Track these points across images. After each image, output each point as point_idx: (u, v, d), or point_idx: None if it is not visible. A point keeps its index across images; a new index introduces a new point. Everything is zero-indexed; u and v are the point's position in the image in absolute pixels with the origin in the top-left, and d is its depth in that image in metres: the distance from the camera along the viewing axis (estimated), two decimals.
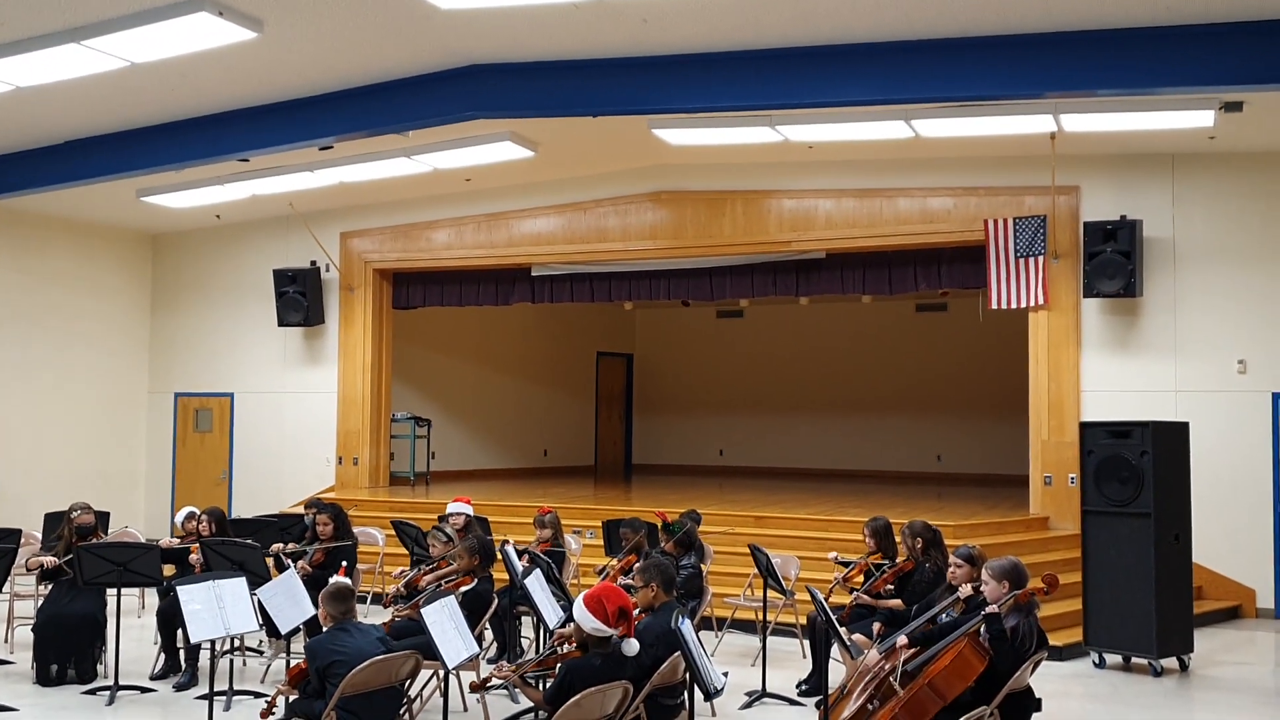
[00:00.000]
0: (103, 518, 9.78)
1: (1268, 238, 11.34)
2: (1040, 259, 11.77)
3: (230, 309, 16.34)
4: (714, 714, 7.49)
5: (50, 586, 8.67)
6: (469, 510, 9.70)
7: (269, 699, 5.83)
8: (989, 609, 5.71)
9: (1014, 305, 11.95)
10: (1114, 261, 11.37)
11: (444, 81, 10.39)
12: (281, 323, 15.42)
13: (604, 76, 9.97)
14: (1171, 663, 8.98)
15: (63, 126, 11.73)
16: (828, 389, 20.41)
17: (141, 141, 11.88)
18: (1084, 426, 9.45)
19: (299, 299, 15.24)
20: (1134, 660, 9.05)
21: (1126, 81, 8.89)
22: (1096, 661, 9.15)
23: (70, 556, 8.35)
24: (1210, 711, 7.87)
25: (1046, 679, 8.07)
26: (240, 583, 6.57)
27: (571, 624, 5.48)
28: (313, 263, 15.48)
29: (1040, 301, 11.84)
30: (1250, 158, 11.45)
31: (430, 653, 5.70)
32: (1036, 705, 5.91)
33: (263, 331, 15.92)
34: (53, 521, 9.93)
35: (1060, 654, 9.21)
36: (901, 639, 5.85)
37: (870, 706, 5.78)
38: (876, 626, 7.00)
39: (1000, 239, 11.89)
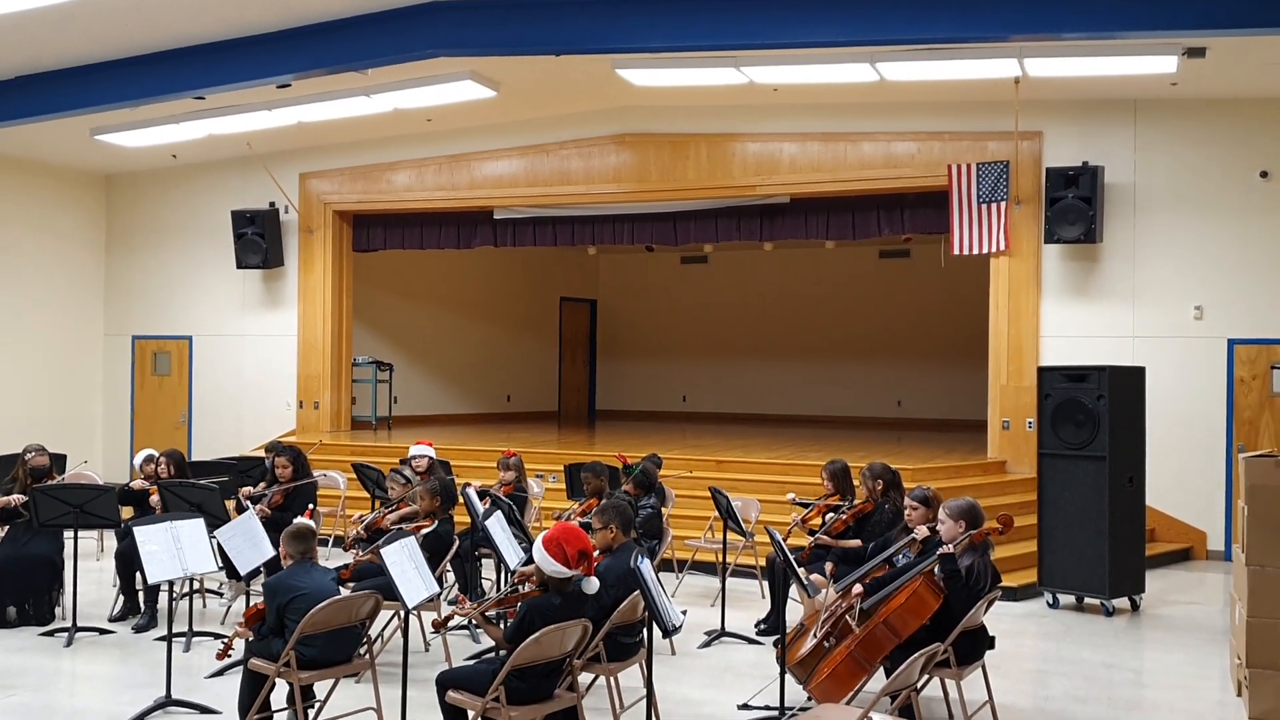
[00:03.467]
0: (58, 460, 9.68)
1: (1227, 185, 11.43)
2: (1002, 205, 11.81)
3: (187, 251, 16.11)
4: (673, 652, 7.56)
5: (6, 529, 8.59)
6: (431, 453, 9.68)
7: (226, 640, 5.83)
8: (944, 549, 5.77)
9: (976, 251, 11.99)
10: (1075, 208, 11.43)
11: (404, 18, 10.21)
12: (240, 265, 15.24)
13: (567, 14, 9.85)
14: (1123, 603, 9.15)
15: (11, 61, 11.44)
16: (791, 335, 20.48)
17: (94, 78, 11.62)
18: (1042, 371, 9.54)
19: (257, 241, 15.05)
20: (1087, 600, 9.21)
21: (1091, 24, 8.89)
22: (1050, 601, 9.31)
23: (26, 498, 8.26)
24: (1159, 649, 8.04)
25: (1001, 618, 8.22)
26: (198, 524, 6.53)
27: (533, 564, 5.49)
28: (271, 204, 15.28)
29: (1001, 247, 11.90)
30: (1211, 104, 11.50)
31: (391, 593, 5.70)
32: (990, 643, 6.01)
33: (221, 274, 15.73)
34: (6, 464, 9.81)
35: (1015, 594, 9.36)
36: (857, 588, 5.89)
37: (827, 644, 5.85)
38: (829, 567, 7.07)
39: (963, 184, 11.90)
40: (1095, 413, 8.97)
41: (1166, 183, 11.61)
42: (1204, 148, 11.53)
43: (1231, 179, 11.42)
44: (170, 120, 12.89)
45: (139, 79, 11.40)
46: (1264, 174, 11.27)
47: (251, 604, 6.13)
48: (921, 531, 6.19)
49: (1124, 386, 9.11)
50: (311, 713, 5.76)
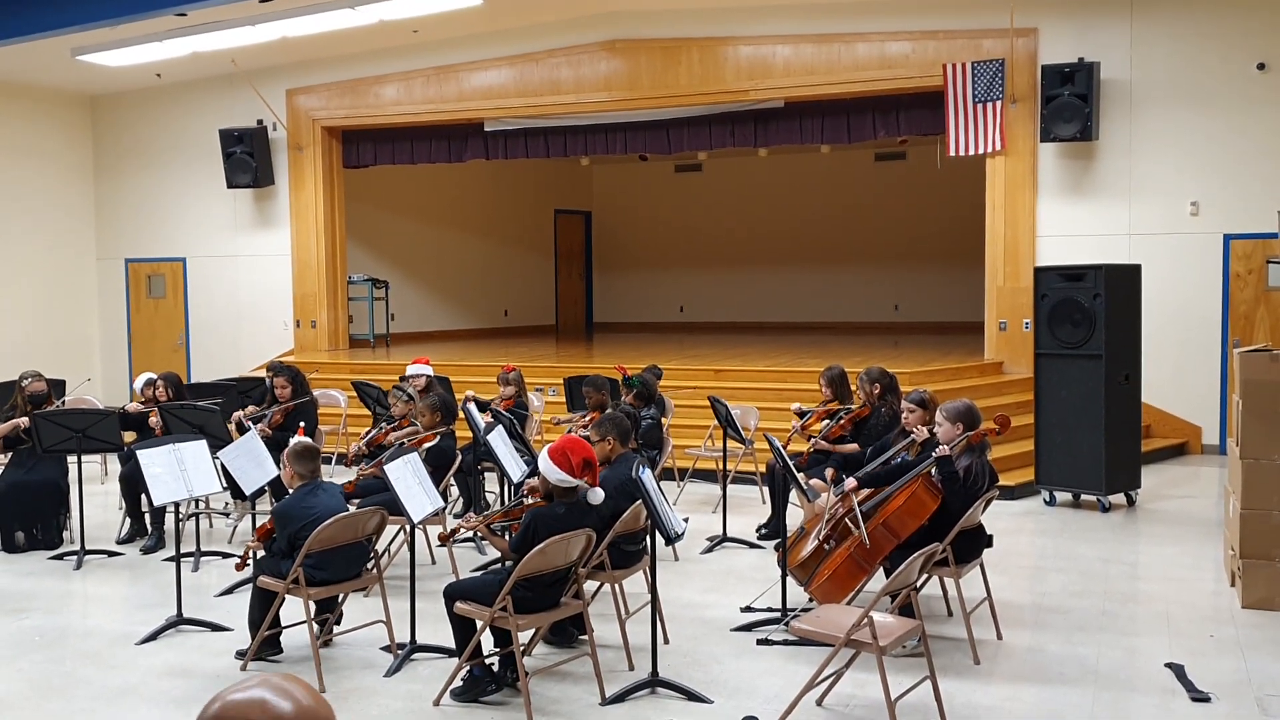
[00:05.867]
0: (57, 385, 9.69)
1: (1224, 78, 11.28)
2: (998, 104, 11.67)
3: (177, 171, 15.97)
4: (676, 558, 7.67)
5: (9, 456, 8.63)
6: (429, 371, 9.69)
7: (241, 555, 5.90)
8: (940, 451, 5.81)
9: (972, 151, 11.89)
10: (1071, 105, 11.30)
11: None
12: (230, 184, 15.11)
13: None
14: (1119, 498, 9.26)
15: None
16: (787, 242, 20.39)
17: None
18: (1038, 271, 9.51)
19: (247, 160, 14.90)
20: (1083, 497, 9.32)
21: None
22: (1047, 499, 9.42)
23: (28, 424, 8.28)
24: (1155, 543, 8.16)
25: (999, 517, 8.33)
26: (200, 445, 6.56)
27: (536, 476, 5.54)
28: (259, 122, 15.09)
29: (997, 147, 11.79)
30: None
31: (396, 509, 5.76)
32: (988, 542, 6.08)
33: (212, 194, 15.60)
34: (6, 390, 9.82)
35: (1012, 493, 9.47)
36: (850, 482, 5.96)
37: (827, 547, 5.93)
38: (829, 472, 7.13)
39: (958, 84, 11.75)
40: (1091, 312, 8.98)
41: (1163, 77, 11.46)
42: (1201, 40, 11.35)
43: (1229, 72, 11.26)
44: (153, 38, 12.66)
45: None
46: (1261, 66, 11.11)
47: (262, 521, 6.18)
48: (920, 434, 6.23)
49: (1120, 285, 9.10)
50: (326, 627, 5.86)
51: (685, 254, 21.32)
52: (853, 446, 7.74)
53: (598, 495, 5.24)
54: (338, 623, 6.06)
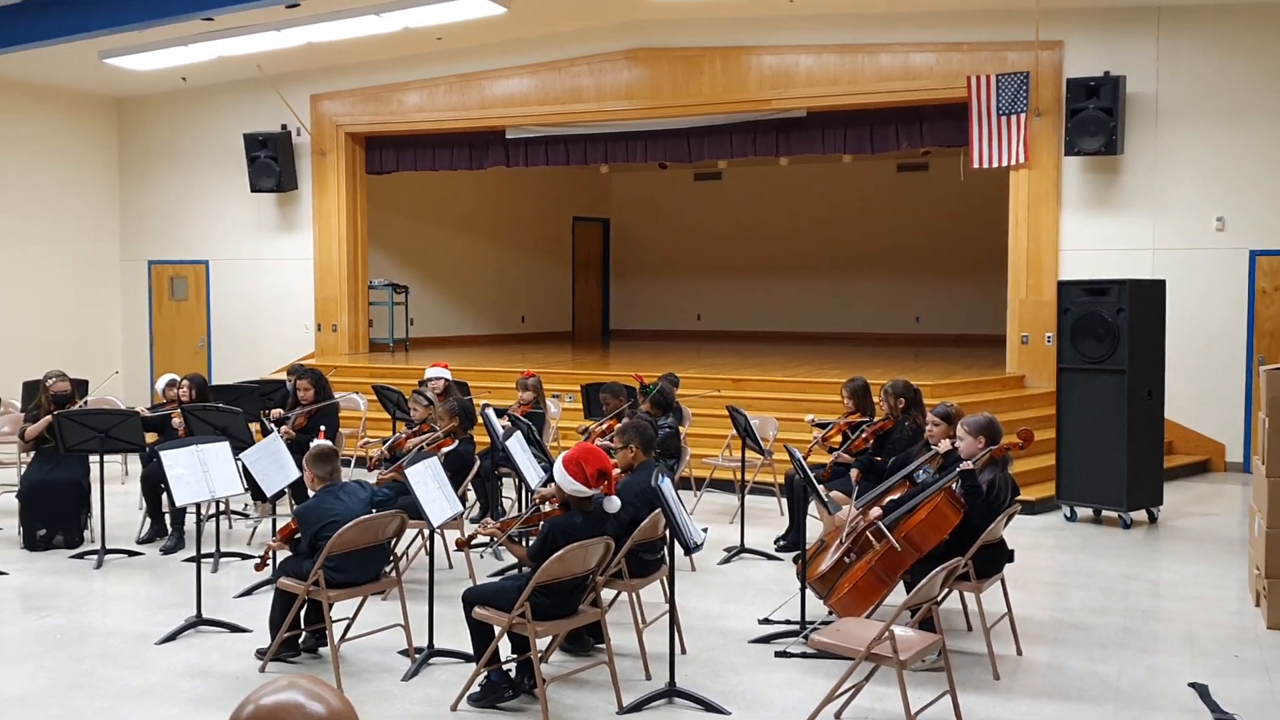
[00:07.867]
0: (80, 385, 9.74)
1: (1250, 93, 11.21)
2: (1022, 116, 11.63)
3: (201, 174, 16.05)
4: (694, 569, 7.65)
5: (33, 454, 8.67)
6: (447, 375, 9.73)
7: (261, 555, 5.91)
8: (963, 465, 5.79)
9: (995, 164, 11.85)
10: (1096, 118, 11.25)
11: None
12: (254, 188, 15.18)
13: None
14: (1141, 515, 9.19)
15: None
16: (807, 252, 20.35)
17: (101, 0, 11.46)
18: (1062, 285, 9.47)
19: (271, 164, 14.97)
20: (1104, 513, 9.26)
21: None
22: (1068, 515, 9.36)
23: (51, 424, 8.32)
24: (1176, 561, 8.09)
25: (1020, 532, 8.28)
26: (223, 447, 6.58)
27: (553, 484, 5.54)
28: (283, 127, 15.16)
29: (1021, 160, 11.75)
30: (1235, 10, 11.24)
31: (416, 512, 5.77)
32: (1009, 556, 6.05)
33: (235, 197, 15.67)
34: (31, 390, 9.89)
35: (1033, 508, 9.41)
36: (876, 510, 5.92)
37: (847, 560, 5.90)
38: (854, 473, 7.10)
39: (982, 96, 11.72)
40: (1115, 327, 8.92)
41: (1189, 92, 11.39)
42: (1228, 55, 11.29)
43: (1256, 87, 11.19)
44: (179, 42, 12.74)
45: (145, 1, 11.24)
46: None
47: (283, 524, 6.19)
48: (943, 446, 6.19)
49: (1144, 300, 9.05)
50: (339, 629, 5.86)
51: (703, 262, 21.30)
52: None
53: (614, 504, 5.22)
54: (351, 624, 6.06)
